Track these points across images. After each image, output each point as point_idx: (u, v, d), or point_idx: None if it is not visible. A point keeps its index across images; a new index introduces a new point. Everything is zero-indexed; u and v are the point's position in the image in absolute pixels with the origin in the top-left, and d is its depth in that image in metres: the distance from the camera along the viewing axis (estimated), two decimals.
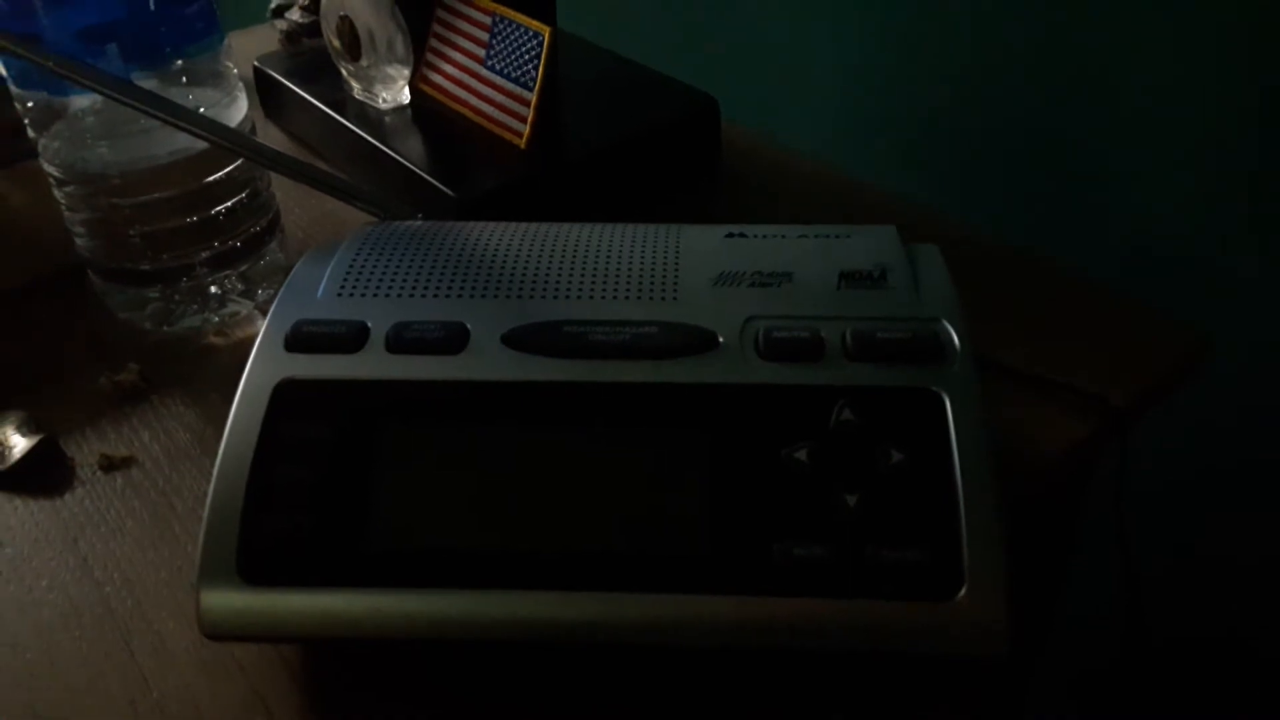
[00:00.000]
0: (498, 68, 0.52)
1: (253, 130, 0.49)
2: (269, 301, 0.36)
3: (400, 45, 0.55)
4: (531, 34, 0.50)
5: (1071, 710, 0.85)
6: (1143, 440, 0.43)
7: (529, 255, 0.37)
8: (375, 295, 0.35)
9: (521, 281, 0.36)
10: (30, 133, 0.45)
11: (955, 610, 0.28)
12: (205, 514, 0.30)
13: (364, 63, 0.56)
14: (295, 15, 0.66)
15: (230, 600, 0.29)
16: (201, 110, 0.44)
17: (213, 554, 0.30)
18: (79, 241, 0.47)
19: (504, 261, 0.37)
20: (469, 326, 0.33)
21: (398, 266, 0.37)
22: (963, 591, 0.28)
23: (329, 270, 0.36)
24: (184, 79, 0.45)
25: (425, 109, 0.56)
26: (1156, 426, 0.47)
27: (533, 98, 0.51)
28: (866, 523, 0.29)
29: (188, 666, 0.33)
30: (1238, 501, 0.72)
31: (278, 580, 0.29)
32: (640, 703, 0.32)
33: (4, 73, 0.45)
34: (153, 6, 0.43)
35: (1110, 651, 0.73)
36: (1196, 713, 0.80)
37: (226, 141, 0.42)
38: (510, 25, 0.52)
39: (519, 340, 0.33)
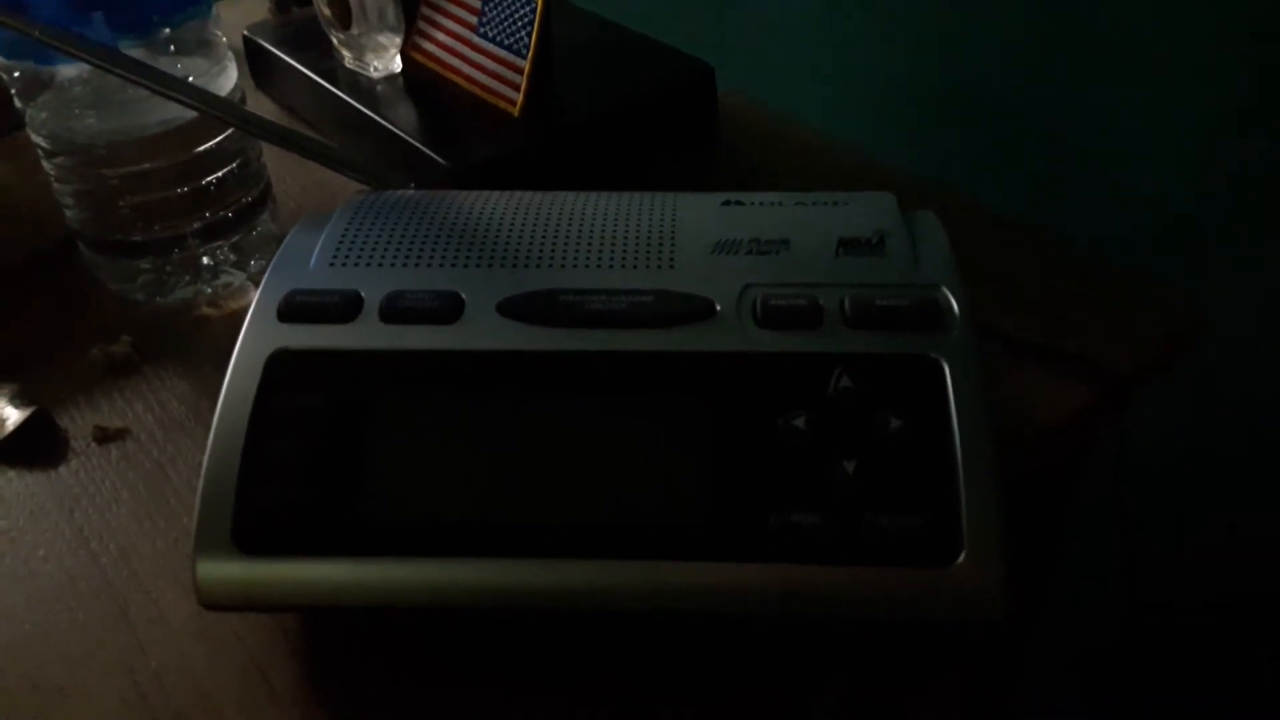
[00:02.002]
0: (490, 35, 0.52)
1: (242, 100, 0.48)
2: (261, 272, 0.35)
3: (391, 13, 0.54)
4: (524, 0, 0.50)
5: (1069, 688, 0.85)
6: (1142, 417, 0.43)
7: (523, 224, 0.37)
8: (368, 265, 0.35)
9: (516, 250, 0.35)
10: (17, 103, 0.45)
11: (953, 576, 0.28)
12: (200, 485, 0.30)
13: (355, 31, 0.55)
14: None
15: (226, 570, 0.29)
16: (190, 79, 0.44)
17: (208, 525, 0.29)
18: (69, 213, 0.47)
19: (498, 230, 0.36)
20: (463, 296, 0.33)
21: (390, 236, 0.36)
22: (961, 557, 0.28)
23: (321, 240, 0.36)
24: (172, 48, 0.44)
25: (417, 77, 0.56)
26: (1157, 403, 0.47)
27: (526, 65, 0.50)
28: (864, 490, 0.29)
29: (185, 636, 0.33)
30: (1237, 479, 0.72)
31: (273, 550, 0.29)
32: (637, 669, 0.32)
33: None
34: None
35: (1108, 628, 0.73)
36: (1194, 689, 0.80)
37: (216, 111, 0.41)
38: None
39: (514, 309, 0.33)
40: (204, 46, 0.46)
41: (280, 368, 0.32)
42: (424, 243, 0.36)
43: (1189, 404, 0.65)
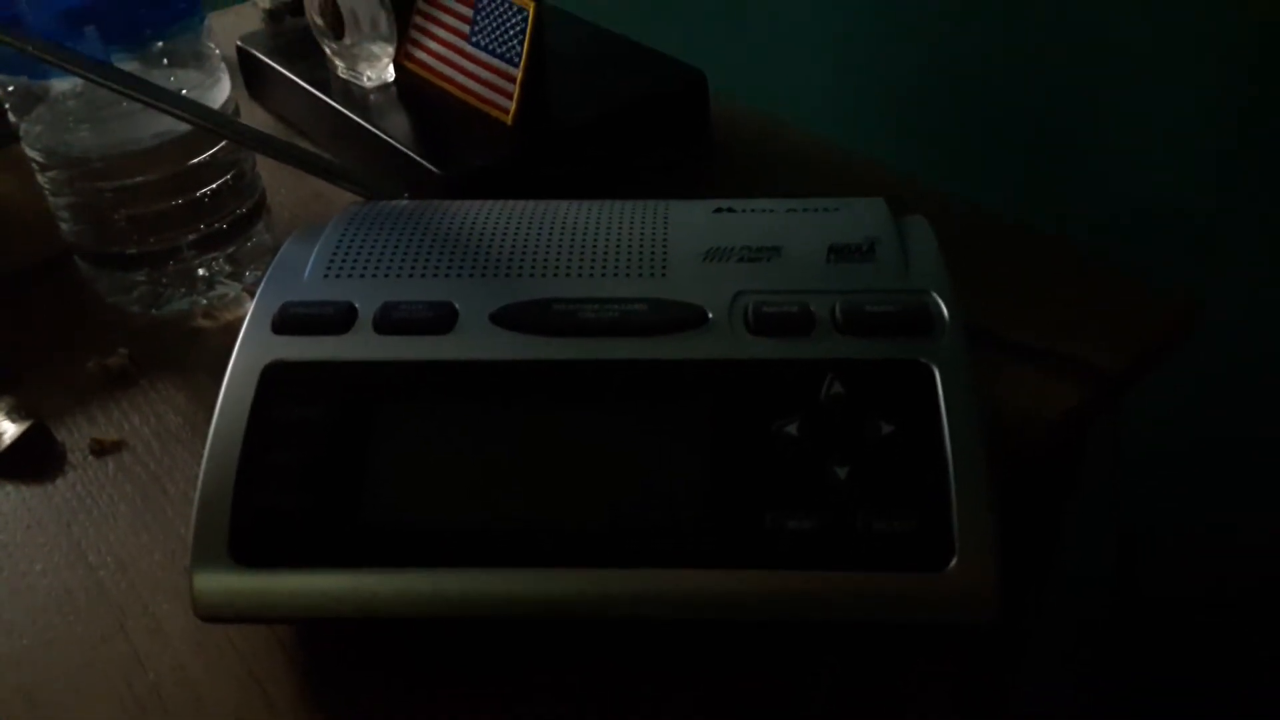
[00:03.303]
0: (483, 44, 0.52)
1: (236, 111, 0.48)
2: (257, 283, 0.36)
3: (384, 22, 0.54)
4: (516, 9, 0.50)
5: (1066, 680, 0.85)
6: (1139, 414, 0.43)
7: (516, 233, 0.37)
8: (362, 276, 0.35)
9: (509, 260, 0.36)
10: (11, 117, 0.45)
11: (946, 580, 0.28)
12: (196, 497, 0.30)
13: (348, 40, 0.55)
14: None
15: (223, 583, 0.29)
16: (184, 92, 0.44)
17: (204, 537, 0.30)
18: (64, 226, 0.47)
19: (491, 240, 0.37)
20: (457, 306, 0.33)
21: (384, 246, 0.36)
22: (953, 561, 0.28)
23: (315, 251, 0.36)
24: (165, 60, 0.45)
25: (410, 87, 0.56)
26: (1153, 401, 0.47)
27: (518, 74, 0.50)
28: (857, 495, 0.29)
29: (183, 648, 0.34)
30: (1233, 475, 0.72)
31: (270, 562, 0.29)
32: (634, 664, 0.32)
33: None
34: None
35: (1105, 623, 0.73)
36: (1190, 682, 0.80)
37: (210, 123, 0.41)
38: (494, 0, 0.51)
39: (507, 319, 0.33)
40: (197, 58, 0.46)
41: (275, 380, 0.32)
42: (417, 253, 0.36)
43: (1185, 401, 0.66)
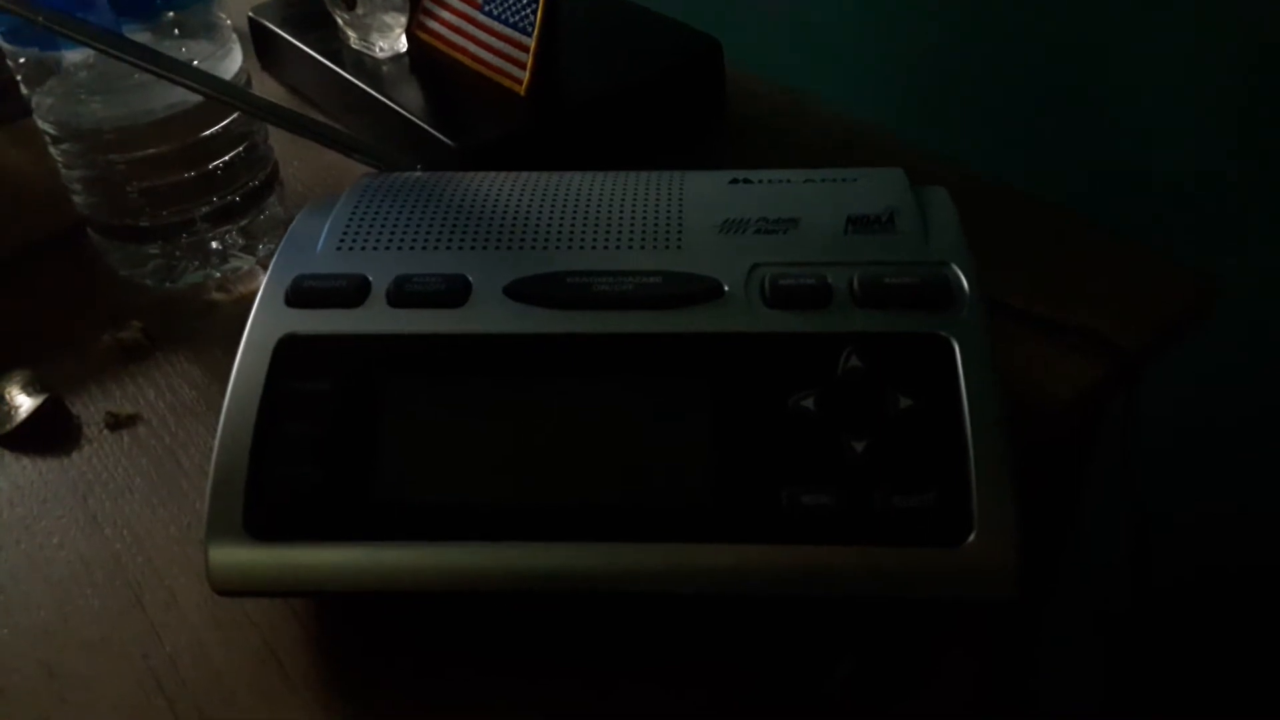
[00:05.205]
0: (496, 13, 0.51)
1: (248, 82, 0.48)
2: (270, 255, 0.35)
3: None
4: None
5: (1085, 658, 0.85)
6: (1155, 387, 0.42)
7: (530, 205, 0.36)
8: (375, 248, 0.35)
9: (523, 232, 0.35)
10: (23, 90, 0.45)
11: (964, 555, 0.28)
12: (211, 471, 0.30)
13: (360, 11, 0.55)
14: None
15: (238, 556, 0.29)
16: (195, 63, 0.44)
17: (219, 510, 0.30)
18: (77, 199, 0.47)
19: (505, 212, 0.36)
20: (471, 279, 0.33)
21: (398, 219, 0.36)
22: (972, 537, 0.28)
23: (328, 224, 0.36)
24: (176, 31, 0.44)
25: (423, 57, 0.55)
26: (1168, 378, 0.47)
27: (532, 44, 0.50)
28: (875, 469, 0.29)
29: (199, 621, 0.34)
30: (1248, 455, 0.72)
31: (284, 535, 0.29)
32: (650, 645, 0.32)
33: None
34: None
35: (1123, 601, 0.73)
36: (1209, 660, 0.80)
37: (222, 95, 0.41)
38: None
39: (521, 292, 0.33)
40: (209, 29, 0.46)
41: (288, 353, 0.32)
42: (430, 225, 0.36)
43: (1202, 385, 0.65)
